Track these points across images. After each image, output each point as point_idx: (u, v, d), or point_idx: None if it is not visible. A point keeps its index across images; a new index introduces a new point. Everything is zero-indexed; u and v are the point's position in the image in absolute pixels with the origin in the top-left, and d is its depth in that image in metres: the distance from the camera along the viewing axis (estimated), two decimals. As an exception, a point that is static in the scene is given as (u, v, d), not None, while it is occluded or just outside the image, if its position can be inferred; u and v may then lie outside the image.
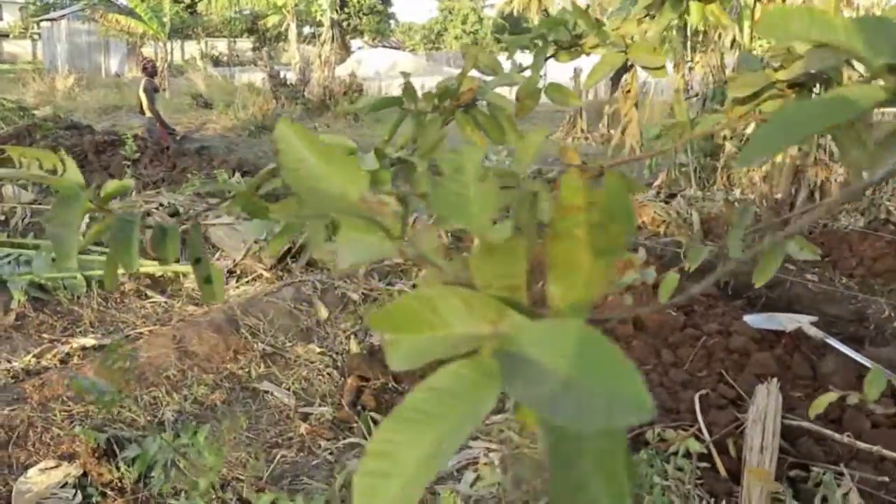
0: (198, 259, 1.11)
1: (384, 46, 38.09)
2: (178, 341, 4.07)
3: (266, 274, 5.33)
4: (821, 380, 3.82)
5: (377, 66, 27.57)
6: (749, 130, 7.18)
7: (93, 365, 3.87)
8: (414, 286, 5.13)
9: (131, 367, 3.54)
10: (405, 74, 1.74)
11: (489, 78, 2.05)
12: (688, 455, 3.25)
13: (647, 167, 8.17)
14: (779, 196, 7.11)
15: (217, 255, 5.74)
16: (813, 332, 4.05)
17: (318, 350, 4.28)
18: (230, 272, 5.46)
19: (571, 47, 2.16)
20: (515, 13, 58.91)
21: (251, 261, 5.40)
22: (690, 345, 3.95)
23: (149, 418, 3.51)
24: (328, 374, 4.11)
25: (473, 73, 2.10)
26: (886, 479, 3.13)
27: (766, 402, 3.35)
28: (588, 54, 2.18)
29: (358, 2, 31.58)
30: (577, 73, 15.11)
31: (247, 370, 4.00)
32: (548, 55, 2.14)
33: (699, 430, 3.38)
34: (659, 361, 3.91)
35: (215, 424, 3.44)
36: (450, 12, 57.02)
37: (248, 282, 5.36)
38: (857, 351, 3.89)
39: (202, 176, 6.95)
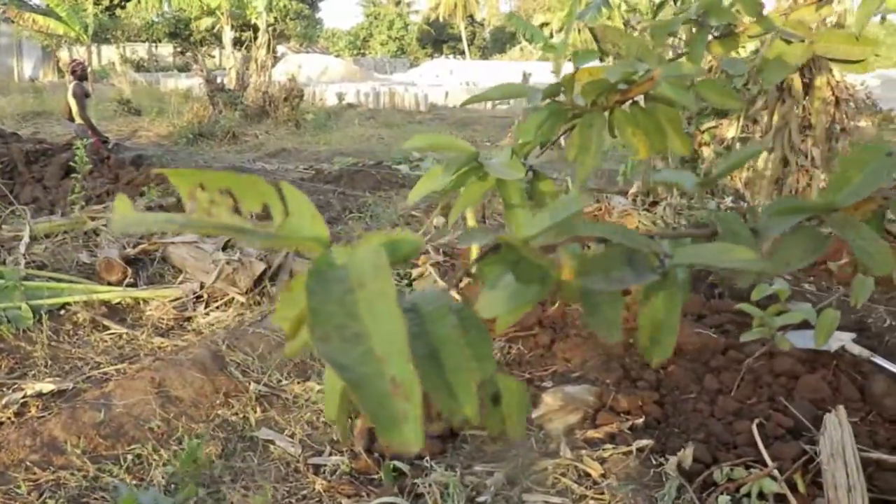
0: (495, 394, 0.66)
1: (307, 52, 37.32)
2: (158, 384, 3.51)
3: (241, 298, 4.78)
4: (871, 402, 3.55)
5: (308, 72, 26.89)
6: (730, 134, 6.97)
7: (59, 419, 3.28)
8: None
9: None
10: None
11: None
12: (761, 496, 2.92)
13: (622, 174, 7.90)
14: (761, 200, 6.95)
15: (180, 277, 5.15)
16: (857, 350, 3.78)
17: (318, 388, 3.77)
18: (198, 297, 4.89)
19: (727, 35, 1.78)
20: (441, 19, 59.16)
21: (223, 284, 4.84)
22: (734, 369, 3.62)
23: (135, 482, 2.95)
24: (332, 414, 3.61)
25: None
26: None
27: (839, 432, 3.04)
28: (744, 47, 1.80)
29: (284, 6, 30.78)
30: (525, 76, 14.89)
31: (242, 416, 3.47)
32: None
33: (766, 465, 3.05)
34: (702, 388, 3.57)
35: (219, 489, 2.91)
36: (375, 18, 56.61)
37: (219, 307, 4.80)
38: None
39: (159, 189, 6.30)
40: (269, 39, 15.43)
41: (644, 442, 3.05)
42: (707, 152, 7.20)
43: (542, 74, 29.49)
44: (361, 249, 0.53)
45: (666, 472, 2.92)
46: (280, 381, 3.77)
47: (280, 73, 19.27)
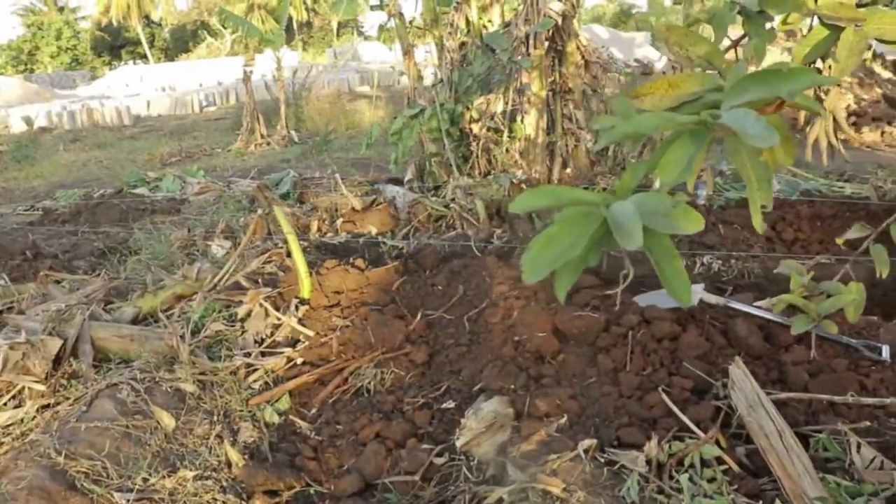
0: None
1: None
2: (-5, 532, 2.73)
3: (40, 387, 3.91)
4: (737, 345, 3.78)
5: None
6: (498, 108, 7.08)
7: None
8: (249, 354, 4.17)
9: None
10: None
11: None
12: (703, 463, 2.96)
13: (393, 161, 7.73)
14: (536, 168, 7.18)
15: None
16: (713, 299, 4.01)
17: (191, 475, 3.19)
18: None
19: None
20: (114, 22, 54.50)
21: (12, 374, 3.92)
22: (622, 344, 3.64)
23: None
24: (223, 503, 3.07)
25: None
26: (867, 423, 3.11)
27: (748, 383, 3.17)
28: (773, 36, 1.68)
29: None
30: (247, 74, 14.12)
31: (120, 538, 2.81)
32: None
33: (689, 431, 3.09)
34: (598, 370, 3.55)
35: None
36: (39, 28, 50.85)
37: (9, 404, 3.89)
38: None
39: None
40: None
41: (588, 442, 2.94)
42: (476, 129, 7.28)
43: (236, 69, 28.28)
44: None
45: (625, 467, 2.84)
46: (147, 479, 3.12)
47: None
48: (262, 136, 14.17)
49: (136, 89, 30.76)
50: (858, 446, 2.97)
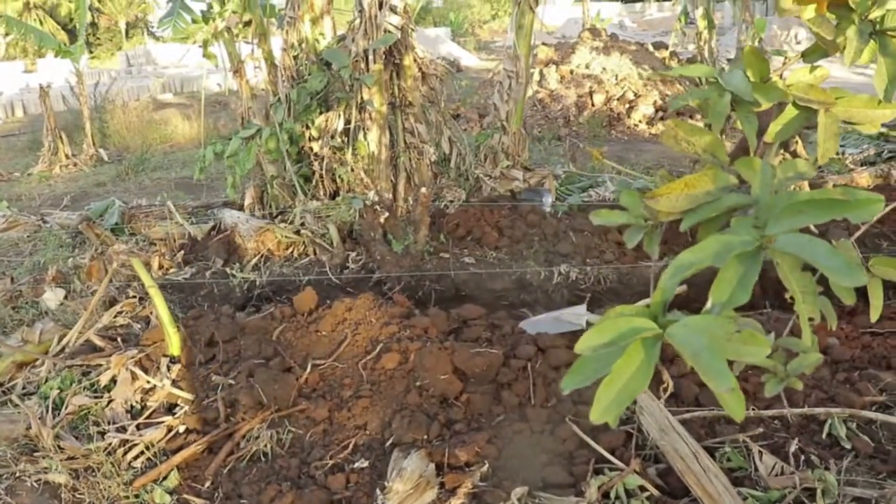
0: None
1: None
2: None
3: None
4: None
5: None
6: (339, 126, 6.89)
7: None
8: (124, 428, 3.80)
9: None
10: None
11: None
12: (627, 493, 3.04)
13: (230, 185, 7.31)
14: (381, 185, 7.07)
15: None
16: (595, 318, 4.13)
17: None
18: None
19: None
20: None
21: None
22: (522, 377, 3.66)
23: None
24: None
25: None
26: (761, 430, 3.34)
27: (656, 407, 3.29)
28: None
29: None
30: (44, 89, 12.86)
31: None
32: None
33: (608, 461, 3.17)
34: (504, 407, 3.54)
35: None
36: None
37: None
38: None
39: None
40: None
41: (520, 490, 2.91)
42: (317, 147, 7.02)
43: (15, 76, 25.61)
44: None
45: (562, 515, 2.85)
46: None
47: None
48: (67, 157, 12.96)
49: None
50: (760, 454, 3.18)
